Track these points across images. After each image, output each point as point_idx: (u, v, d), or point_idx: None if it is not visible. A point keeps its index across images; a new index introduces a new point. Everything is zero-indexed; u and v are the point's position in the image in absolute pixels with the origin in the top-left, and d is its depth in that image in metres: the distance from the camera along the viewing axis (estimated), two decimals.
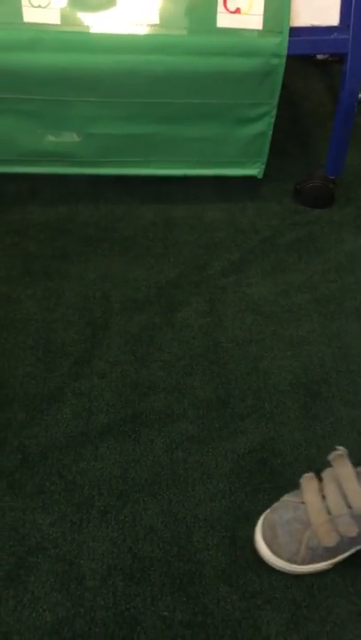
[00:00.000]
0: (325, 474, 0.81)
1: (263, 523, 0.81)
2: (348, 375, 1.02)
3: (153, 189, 1.35)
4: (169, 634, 0.74)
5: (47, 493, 0.86)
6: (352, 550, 0.79)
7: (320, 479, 0.81)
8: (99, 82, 1.12)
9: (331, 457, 0.81)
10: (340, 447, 0.81)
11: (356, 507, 0.75)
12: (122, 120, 1.18)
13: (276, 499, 0.86)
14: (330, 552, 0.78)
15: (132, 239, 1.25)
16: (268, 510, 0.82)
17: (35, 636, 0.74)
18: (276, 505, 0.82)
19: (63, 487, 0.87)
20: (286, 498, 0.82)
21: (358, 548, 0.79)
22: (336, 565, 0.80)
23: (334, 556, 0.79)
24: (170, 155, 1.26)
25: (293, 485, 0.87)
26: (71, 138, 1.19)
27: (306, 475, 0.82)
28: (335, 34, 1.15)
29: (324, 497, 0.78)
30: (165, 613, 0.76)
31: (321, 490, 0.79)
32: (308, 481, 0.81)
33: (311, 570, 0.79)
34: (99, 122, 1.17)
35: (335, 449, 0.81)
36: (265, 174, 1.30)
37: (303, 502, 0.79)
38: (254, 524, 0.83)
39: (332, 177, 1.31)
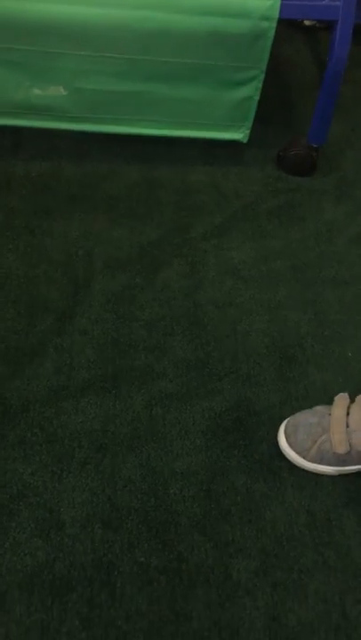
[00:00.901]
0: (358, 397, 0.89)
1: (290, 420, 0.91)
2: (323, 341, 1.06)
3: (138, 149, 1.35)
4: (145, 578, 0.78)
5: (28, 444, 0.88)
6: (358, 467, 0.87)
7: (353, 400, 0.90)
8: (88, 35, 1.10)
9: None
10: None
11: None
12: (110, 76, 1.17)
13: (251, 456, 0.90)
14: (338, 460, 0.87)
15: (115, 198, 1.25)
16: (298, 413, 0.91)
17: (15, 578, 0.76)
18: (306, 410, 0.91)
19: (44, 439, 0.89)
20: (318, 407, 0.91)
21: None
22: (305, 517, 0.84)
23: (341, 465, 0.87)
24: (156, 115, 1.25)
25: (267, 443, 0.91)
26: (58, 92, 1.18)
27: (341, 394, 0.91)
28: (327, 0, 1.14)
29: (348, 413, 0.87)
30: (142, 559, 0.79)
31: (348, 407, 0.88)
32: (340, 398, 0.90)
33: (317, 469, 0.88)
34: (87, 77, 1.16)
35: None
36: (249, 140, 1.31)
37: (330, 414, 0.88)
38: (229, 479, 0.87)
39: (315, 145, 1.32)
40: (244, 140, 1.31)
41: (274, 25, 1.11)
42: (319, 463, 0.87)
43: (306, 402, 0.96)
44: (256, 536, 0.83)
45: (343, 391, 0.93)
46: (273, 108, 1.51)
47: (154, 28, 1.10)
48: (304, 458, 0.87)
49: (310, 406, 0.93)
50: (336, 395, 0.91)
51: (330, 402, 0.95)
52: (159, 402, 0.95)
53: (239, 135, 1.30)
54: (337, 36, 1.17)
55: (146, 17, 1.08)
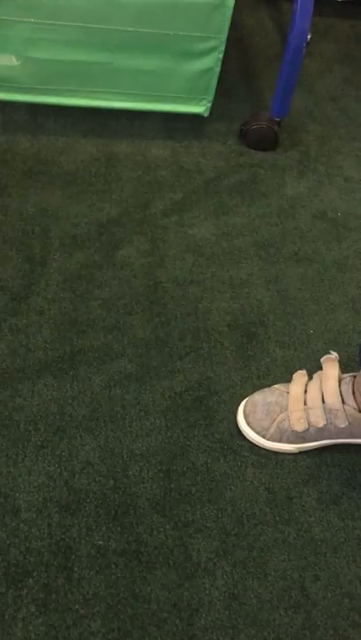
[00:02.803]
0: (316, 374, 0.89)
1: (248, 400, 0.90)
2: (285, 318, 1.05)
3: (96, 123, 1.31)
4: (103, 561, 0.77)
5: None
6: (317, 443, 0.87)
7: (310, 377, 0.89)
8: (41, 2, 1.05)
9: (323, 359, 0.89)
10: (334, 352, 0.89)
11: (328, 402, 0.84)
12: (64, 45, 1.12)
13: (211, 435, 0.89)
14: (297, 437, 0.86)
15: (73, 174, 1.21)
16: (257, 392, 0.90)
17: None
18: (265, 389, 0.90)
19: None
20: (276, 386, 0.90)
21: (325, 442, 0.87)
22: (265, 496, 0.84)
23: (300, 443, 0.87)
24: (113, 86, 1.21)
25: (228, 422, 0.90)
26: (10, 61, 1.13)
27: (300, 371, 0.90)
28: None
29: (306, 391, 0.87)
30: (100, 542, 0.78)
31: (306, 385, 0.88)
32: (298, 376, 0.90)
33: (277, 448, 0.87)
34: (39, 45, 1.11)
35: (329, 353, 0.89)
36: (211, 113, 1.28)
37: (288, 392, 0.88)
38: (189, 459, 0.86)
39: (277, 119, 1.30)
40: (206, 114, 1.28)
41: None
42: (279, 441, 0.87)
43: (267, 380, 0.96)
44: (216, 516, 0.82)
45: (305, 368, 0.92)
46: (235, 81, 1.48)
47: None
48: (263, 437, 0.87)
49: (272, 384, 0.92)
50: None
51: (291, 379, 0.94)
52: (118, 382, 0.93)
53: (200, 108, 1.27)
54: (298, 7, 1.14)
55: None
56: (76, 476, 0.83)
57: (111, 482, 0.83)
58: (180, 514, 0.81)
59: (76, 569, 0.76)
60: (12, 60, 1.13)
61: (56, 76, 1.17)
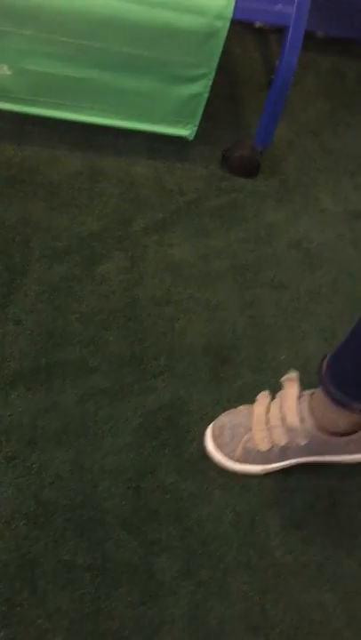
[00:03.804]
0: (278, 393, 0.91)
1: (215, 423, 0.92)
2: (258, 342, 1.07)
3: (82, 137, 1.32)
4: (68, 576, 0.77)
5: None
6: (284, 463, 0.89)
7: (273, 397, 0.92)
8: (35, 15, 1.07)
9: (283, 379, 0.91)
10: (294, 371, 0.91)
11: (288, 421, 0.86)
12: (57, 59, 1.13)
13: (181, 455, 0.90)
14: (263, 457, 0.88)
15: (57, 186, 1.22)
16: (223, 414, 0.92)
17: None
18: (231, 411, 0.93)
19: None
20: (241, 407, 0.93)
21: (290, 462, 0.89)
22: (231, 517, 0.85)
23: (266, 463, 0.89)
24: (103, 103, 1.23)
25: (198, 442, 0.92)
26: (2, 71, 1.13)
27: (263, 392, 0.93)
28: (280, 5, 1.15)
29: (269, 410, 0.89)
30: (66, 557, 0.78)
31: (269, 405, 0.90)
32: (262, 396, 0.92)
33: (244, 470, 0.89)
34: (33, 58, 1.12)
35: (289, 372, 0.92)
36: (196, 136, 1.31)
37: (252, 413, 0.90)
38: (158, 478, 0.87)
39: (259, 148, 1.34)
40: (191, 137, 1.30)
41: (227, 24, 1.11)
42: (245, 462, 0.88)
43: (238, 403, 0.98)
44: (182, 535, 0.83)
45: (272, 392, 0.95)
46: (221, 107, 1.51)
47: (106, 15, 1.07)
48: (231, 459, 0.89)
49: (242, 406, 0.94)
50: None
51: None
52: (92, 397, 0.93)
53: (186, 132, 1.29)
54: (288, 42, 1.18)
55: (98, 3, 1.05)
56: (46, 489, 0.83)
57: (80, 496, 0.84)
58: (147, 532, 0.82)
59: (41, 583, 0.76)
60: (5, 70, 1.14)
61: (47, 89, 1.18)
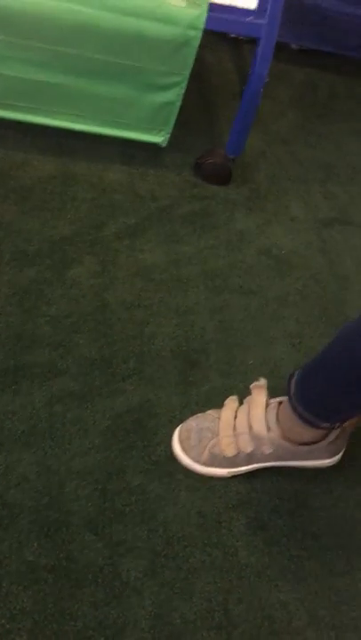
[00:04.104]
0: (246, 399, 0.93)
1: (182, 426, 0.93)
2: (226, 347, 1.09)
3: (55, 141, 1.33)
4: (32, 577, 0.77)
5: None
6: (250, 467, 0.90)
7: (241, 403, 0.93)
8: (9, 20, 1.08)
9: (252, 386, 0.93)
10: (262, 379, 0.93)
11: (254, 429, 0.88)
12: (30, 65, 1.14)
13: (148, 457, 0.91)
14: (229, 462, 0.89)
15: (29, 189, 1.22)
16: (191, 417, 0.93)
17: None
18: (199, 415, 0.93)
19: None
20: (209, 412, 0.94)
21: (256, 466, 0.91)
22: (193, 518, 0.86)
23: (232, 467, 0.90)
24: (76, 109, 1.24)
25: (165, 445, 0.93)
26: None
27: (232, 397, 0.94)
28: (251, 17, 1.18)
29: (236, 416, 0.90)
30: (30, 558, 0.78)
31: (236, 410, 0.91)
32: (230, 402, 0.93)
33: (211, 472, 0.90)
34: (7, 62, 1.13)
35: (257, 379, 0.93)
36: (169, 143, 1.32)
37: (219, 418, 0.91)
38: (125, 479, 0.88)
39: (231, 156, 1.36)
40: (163, 144, 1.32)
41: (199, 35, 1.13)
42: (211, 466, 0.90)
43: (206, 406, 0.99)
44: (147, 536, 0.84)
45: (243, 398, 0.96)
46: (193, 115, 1.53)
47: (80, 22, 1.09)
48: (198, 462, 0.90)
49: (211, 410, 0.95)
50: None
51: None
52: (60, 400, 0.94)
53: (159, 139, 1.31)
54: (259, 53, 1.20)
55: (72, 10, 1.07)
56: (12, 490, 0.83)
57: (46, 498, 0.84)
58: (113, 533, 0.83)
59: (4, 584, 0.76)
60: None
61: (21, 94, 1.19)
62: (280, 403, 0.89)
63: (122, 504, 0.86)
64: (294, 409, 0.85)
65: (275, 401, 0.90)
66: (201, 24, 1.12)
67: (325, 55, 1.84)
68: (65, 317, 1.04)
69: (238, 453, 0.89)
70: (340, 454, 0.94)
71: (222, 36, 1.81)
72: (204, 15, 1.11)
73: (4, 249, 1.11)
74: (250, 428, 0.89)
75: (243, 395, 1.01)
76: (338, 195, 1.47)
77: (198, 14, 1.11)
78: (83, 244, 1.17)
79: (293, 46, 1.87)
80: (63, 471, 0.87)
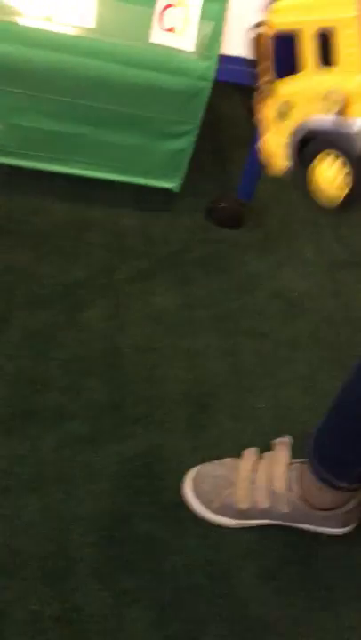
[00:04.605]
0: (266, 454, 0.91)
1: (198, 470, 0.91)
2: (237, 391, 1.08)
3: (70, 188, 1.36)
4: (37, 627, 0.76)
5: None
6: (259, 522, 0.88)
7: (260, 456, 0.91)
8: (28, 75, 1.12)
9: (276, 441, 0.91)
10: (288, 436, 0.91)
11: (275, 486, 0.86)
12: (48, 116, 1.18)
13: (156, 503, 0.90)
14: (240, 514, 0.88)
15: (43, 235, 1.25)
16: (207, 462, 0.92)
17: None
18: (215, 461, 0.92)
19: None
20: (226, 460, 0.92)
21: (266, 522, 0.88)
22: (202, 567, 0.85)
23: (242, 519, 0.88)
24: (92, 157, 1.27)
25: (174, 490, 0.92)
26: None
27: (250, 448, 0.92)
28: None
29: (255, 470, 0.88)
30: (35, 607, 0.77)
31: (256, 464, 0.89)
32: (249, 453, 0.92)
33: (219, 521, 0.88)
34: (24, 114, 1.17)
35: (282, 436, 0.92)
36: (181, 188, 1.35)
37: (237, 468, 0.89)
38: (132, 526, 0.86)
39: (243, 200, 1.38)
40: (176, 190, 1.35)
41: (209, 85, 1.17)
42: (220, 515, 0.88)
43: (216, 451, 0.98)
44: (155, 586, 0.82)
45: (253, 442, 0.95)
46: (206, 160, 1.56)
47: (93, 76, 1.13)
48: (209, 509, 0.88)
49: (220, 455, 0.94)
50: (245, 446, 0.93)
51: (239, 452, 0.97)
52: (69, 444, 0.94)
53: (171, 184, 1.34)
54: None
55: (84, 64, 1.11)
56: (18, 537, 0.83)
57: (52, 545, 0.83)
58: (119, 582, 0.81)
59: (7, 634, 0.75)
60: None
61: (36, 143, 1.23)
62: (303, 463, 0.88)
63: (129, 552, 0.84)
64: (312, 467, 0.83)
65: (297, 461, 0.89)
66: (211, 75, 1.16)
67: None
68: (76, 361, 1.05)
69: (252, 507, 0.87)
70: (353, 526, 0.91)
71: (235, 85, 1.86)
72: (214, 67, 1.15)
73: (18, 293, 1.13)
74: (270, 483, 0.87)
75: (254, 439, 1.00)
76: (350, 238, 1.47)
77: (208, 66, 1.15)
78: (95, 287, 1.18)
79: None
80: (70, 517, 0.86)
